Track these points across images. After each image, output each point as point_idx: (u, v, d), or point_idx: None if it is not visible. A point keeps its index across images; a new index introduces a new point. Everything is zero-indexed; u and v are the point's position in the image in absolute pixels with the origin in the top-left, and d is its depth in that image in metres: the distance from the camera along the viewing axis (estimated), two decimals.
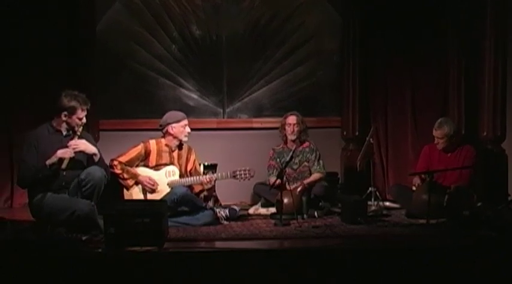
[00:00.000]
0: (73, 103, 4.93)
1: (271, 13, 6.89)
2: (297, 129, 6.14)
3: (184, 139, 5.58)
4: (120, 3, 6.75)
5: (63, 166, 4.85)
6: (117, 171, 5.37)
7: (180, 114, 5.62)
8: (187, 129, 5.56)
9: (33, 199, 4.92)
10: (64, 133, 5.02)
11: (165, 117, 5.60)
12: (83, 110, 4.98)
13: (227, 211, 5.51)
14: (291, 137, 6.14)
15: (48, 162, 4.83)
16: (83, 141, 4.97)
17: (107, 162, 5.35)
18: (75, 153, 4.90)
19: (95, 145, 5.13)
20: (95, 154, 4.99)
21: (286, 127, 6.16)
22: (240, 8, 6.88)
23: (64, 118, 4.96)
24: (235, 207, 5.60)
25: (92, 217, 4.75)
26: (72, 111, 4.94)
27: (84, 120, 5.03)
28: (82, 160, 5.00)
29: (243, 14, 6.89)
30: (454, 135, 5.84)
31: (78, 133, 4.99)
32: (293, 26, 6.92)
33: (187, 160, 5.66)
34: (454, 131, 5.83)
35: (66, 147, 4.89)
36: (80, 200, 4.82)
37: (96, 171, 4.90)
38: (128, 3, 6.75)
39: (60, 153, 4.85)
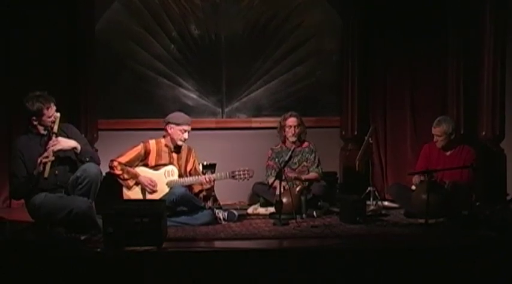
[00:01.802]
0: (37, 105, 4.88)
1: (270, 13, 6.89)
2: (298, 130, 6.12)
3: (179, 143, 5.53)
4: (119, 3, 6.73)
5: (46, 174, 4.78)
6: (118, 171, 5.36)
7: (185, 118, 5.57)
8: (185, 135, 5.51)
9: (29, 200, 4.90)
10: (44, 133, 4.98)
11: (171, 114, 5.60)
12: (48, 108, 4.92)
13: (226, 214, 5.50)
14: (291, 139, 6.11)
15: (34, 172, 4.82)
16: (60, 139, 4.90)
17: (107, 162, 5.37)
18: (54, 154, 4.85)
19: (76, 135, 5.09)
20: (75, 148, 4.94)
21: (287, 129, 6.13)
22: (239, 8, 6.87)
23: (35, 123, 4.94)
24: (234, 212, 5.57)
25: (90, 215, 4.75)
26: (39, 114, 4.90)
27: (56, 114, 4.96)
28: (70, 156, 4.98)
29: (242, 14, 6.88)
30: (453, 133, 5.81)
31: (55, 130, 4.94)
32: (292, 26, 6.91)
33: (187, 160, 5.64)
34: (452, 129, 5.79)
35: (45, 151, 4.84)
36: (77, 198, 4.82)
37: (91, 168, 4.89)
38: (127, 3, 6.74)
39: (40, 159, 4.81)
